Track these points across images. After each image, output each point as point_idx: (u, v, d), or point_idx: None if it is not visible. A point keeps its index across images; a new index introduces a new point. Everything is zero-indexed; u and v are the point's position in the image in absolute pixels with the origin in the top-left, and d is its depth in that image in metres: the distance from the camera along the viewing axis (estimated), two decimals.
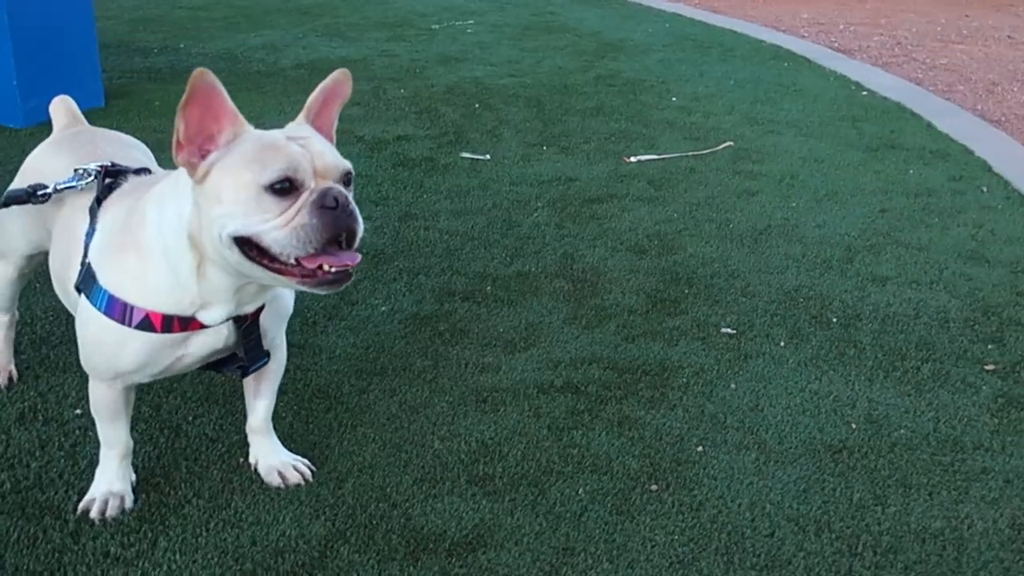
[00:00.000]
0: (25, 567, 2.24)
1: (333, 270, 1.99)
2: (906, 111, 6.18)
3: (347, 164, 2.09)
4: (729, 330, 3.42)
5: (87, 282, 2.23)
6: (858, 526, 2.48)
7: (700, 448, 2.77)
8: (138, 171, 2.43)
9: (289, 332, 2.56)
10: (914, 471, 2.70)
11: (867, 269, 3.93)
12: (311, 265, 1.99)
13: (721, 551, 2.38)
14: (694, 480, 2.64)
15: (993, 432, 2.88)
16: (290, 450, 2.65)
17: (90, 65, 5.92)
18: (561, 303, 3.60)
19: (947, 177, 5.00)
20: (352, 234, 2.03)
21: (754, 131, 5.72)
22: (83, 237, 2.31)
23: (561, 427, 2.86)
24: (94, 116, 2.93)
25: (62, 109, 2.83)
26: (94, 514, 2.40)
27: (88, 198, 2.37)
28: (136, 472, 2.54)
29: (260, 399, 2.58)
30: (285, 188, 1.97)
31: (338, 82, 2.18)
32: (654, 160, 5.18)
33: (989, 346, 3.36)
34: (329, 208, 1.98)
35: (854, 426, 2.89)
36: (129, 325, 2.17)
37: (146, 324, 2.17)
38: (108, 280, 2.19)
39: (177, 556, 2.29)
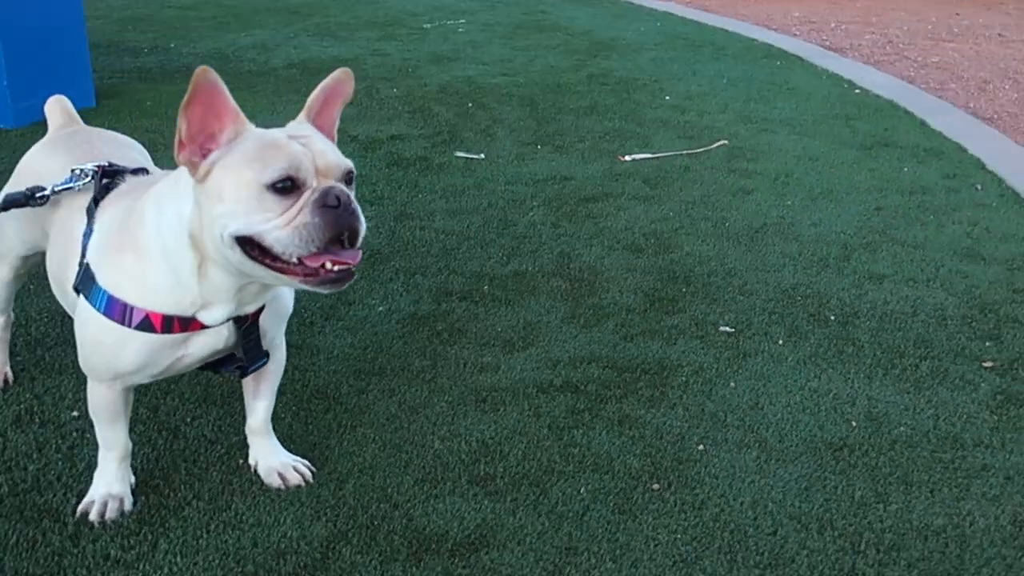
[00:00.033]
0: (24, 570, 2.22)
1: (336, 269, 1.98)
2: (899, 109, 6.20)
3: (349, 163, 2.07)
4: (727, 328, 3.42)
5: (86, 283, 2.21)
6: (860, 524, 2.47)
7: (701, 447, 2.77)
8: (135, 171, 2.42)
9: (286, 332, 2.54)
10: (915, 468, 2.70)
11: (864, 267, 3.93)
12: (313, 264, 1.98)
13: (724, 550, 2.37)
14: (696, 479, 2.63)
15: (993, 429, 2.88)
16: (290, 451, 2.63)
17: (81, 65, 5.89)
18: (559, 302, 3.59)
19: (941, 175, 5.01)
20: (354, 233, 2.02)
21: (748, 129, 5.72)
22: (80, 238, 2.29)
23: (561, 426, 2.85)
24: (85, 116, 2.90)
25: (57, 109, 2.81)
26: (93, 516, 2.38)
27: (85, 198, 2.35)
28: (135, 474, 2.52)
29: (259, 400, 2.56)
30: (287, 187, 1.96)
31: (339, 81, 2.16)
32: (649, 159, 5.18)
33: (987, 343, 3.36)
34: (331, 207, 1.96)
35: (854, 424, 2.89)
36: (129, 326, 2.15)
37: (146, 325, 2.15)
38: (107, 280, 2.17)
39: (178, 558, 2.27)
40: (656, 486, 2.59)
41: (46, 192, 2.40)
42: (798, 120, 5.93)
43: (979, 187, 4.83)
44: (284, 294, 2.39)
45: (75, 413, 2.80)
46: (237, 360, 2.35)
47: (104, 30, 7.98)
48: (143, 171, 2.43)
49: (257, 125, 2.09)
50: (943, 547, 2.40)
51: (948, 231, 4.30)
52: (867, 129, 5.76)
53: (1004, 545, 2.41)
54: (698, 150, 5.33)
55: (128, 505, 2.43)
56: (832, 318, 3.51)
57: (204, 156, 2.00)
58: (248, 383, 2.54)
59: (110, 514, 2.39)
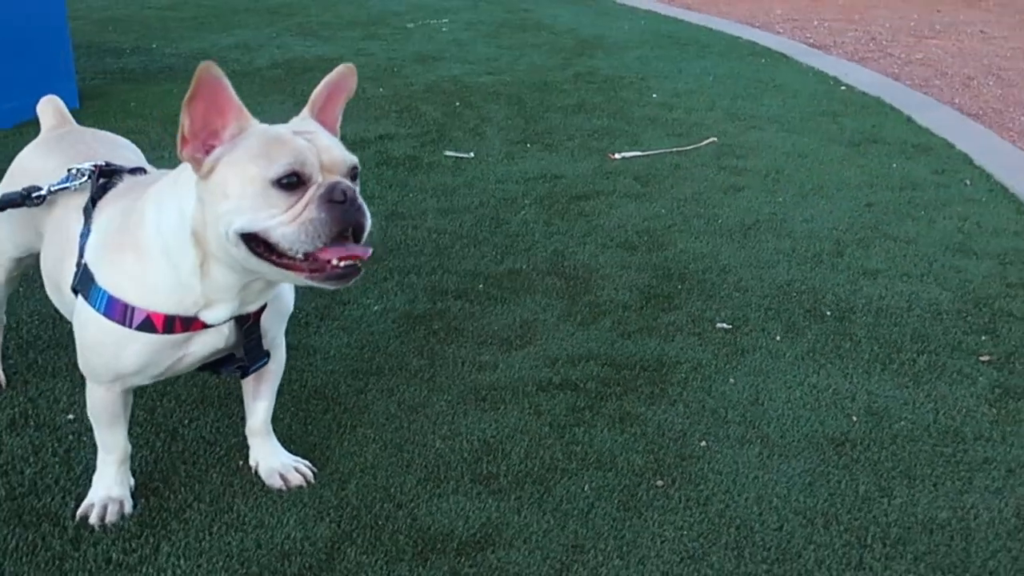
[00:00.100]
0: (25, 575, 2.19)
1: (342, 264, 1.96)
2: (885, 106, 6.21)
3: (353, 158, 2.06)
4: (724, 325, 3.41)
5: (84, 283, 2.18)
6: (866, 518, 2.47)
7: (703, 443, 2.76)
8: (133, 170, 2.38)
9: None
10: (917, 462, 2.70)
11: (857, 262, 3.93)
12: (324, 257, 1.95)
13: (731, 545, 2.36)
14: (699, 475, 2.62)
15: (993, 422, 2.89)
16: (290, 452, 2.61)
17: (64, 66, 5.84)
18: (554, 300, 3.58)
19: (930, 171, 5.02)
20: (360, 228, 2.00)
21: (736, 127, 5.72)
22: (78, 238, 2.26)
23: (562, 424, 2.83)
24: None
25: (50, 109, 2.77)
26: (93, 520, 2.35)
27: (82, 198, 2.32)
28: (133, 477, 2.48)
29: (260, 400, 2.53)
30: (292, 183, 1.93)
31: (343, 76, 2.15)
32: (639, 157, 5.17)
33: (983, 337, 3.36)
34: (337, 202, 1.94)
35: (855, 419, 2.89)
36: (130, 326, 2.12)
37: (147, 325, 2.12)
38: (107, 281, 2.14)
39: (181, 561, 2.24)
40: (660, 483, 2.58)
41: (43, 192, 2.36)
42: (786, 117, 5.93)
43: (968, 182, 4.85)
44: (285, 293, 2.36)
45: (71, 416, 2.77)
46: (237, 360, 2.32)
47: (85, 31, 7.90)
48: (141, 170, 2.40)
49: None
50: (949, 540, 2.40)
51: (939, 226, 4.31)
52: (854, 126, 5.78)
53: (1009, 538, 2.41)
54: (687, 148, 5.32)
55: (128, 508, 2.40)
56: (828, 314, 3.51)
57: (207, 152, 1.98)
58: (248, 383, 2.51)
59: (110, 517, 2.36)
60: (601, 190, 4.68)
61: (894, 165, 5.10)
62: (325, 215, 1.93)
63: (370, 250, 2.00)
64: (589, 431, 2.80)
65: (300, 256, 1.95)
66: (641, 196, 4.62)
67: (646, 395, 2.99)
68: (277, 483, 2.51)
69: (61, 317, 2.52)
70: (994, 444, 2.79)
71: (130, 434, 2.42)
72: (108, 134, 2.75)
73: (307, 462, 2.58)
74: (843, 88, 6.66)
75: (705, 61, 7.40)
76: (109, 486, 2.40)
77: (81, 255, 2.22)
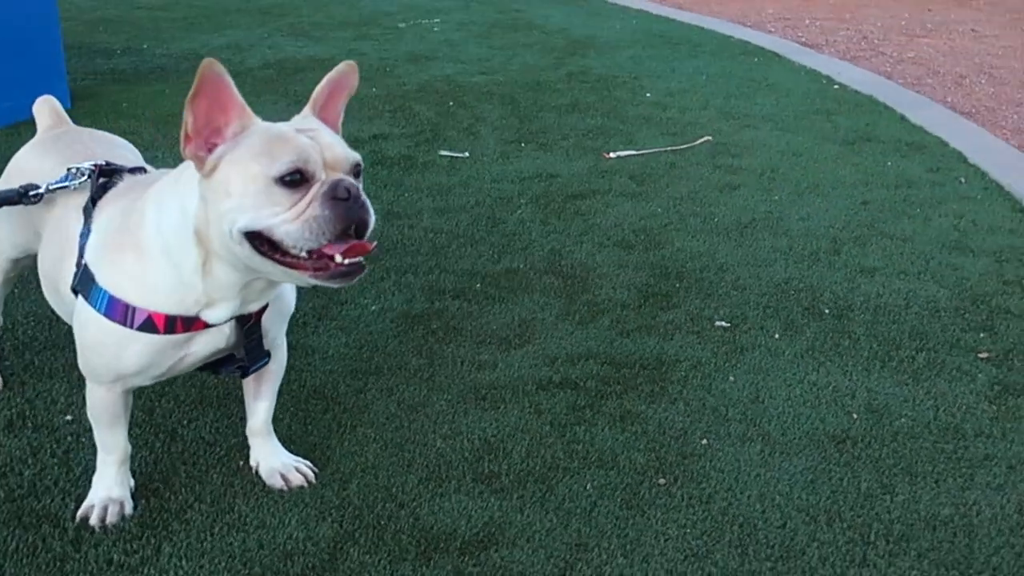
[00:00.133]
0: None
1: (347, 262, 1.95)
2: (879, 104, 6.22)
3: (356, 156, 2.05)
4: (723, 323, 3.41)
5: (85, 283, 2.16)
6: (868, 515, 2.47)
7: (704, 441, 2.75)
8: (133, 170, 2.37)
9: None
10: (918, 459, 2.70)
11: (854, 260, 3.93)
12: (329, 252, 1.94)
13: (735, 543, 2.36)
14: (701, 473, 2.61)
15: (992, 419, 2.89)
16: (290, 452, 2.60)
17: (55, 67, 5.81)
18: (552, 299, 3.57)
19: (925, 169, 5.03)
20: (363, 225, 1.99)
21: (730, 125, 5.72)
22: (77, 238, 2.24)
23: (563, 423, 2.82)
24: None
25: (46, 109, 2.75)
26: (94, 521, 2.33)
27: (82, 198, 2.30)
28: (133, 478, 2.47)
29: (260, 400, 2.52)
30: (296, 180, 1.92)
31: (344, 74, 2.14)
32: (633, 156, 5.16)
33: (981, 334, 3.37)
34: (341, 199, 1.93)
35: (855, 416, 2.89)
36: (131, 327, 2.11)
37: (148, 325, 2.11)
38: (107, 281, 2.13)
39: (183, 562, 2.23)
40: (662, 481, 2.58)
41: (40, 190, 2.35)
42: (779, 116, 5.94)
43: (963, 180, 4.86)
44: (286, 293, 2.35)
45: (69, 417, 2.75)
46: (238, 360, 2.31)
47: (75, 32, 7.86)
48: (141, 170, 2.39)
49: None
50: (952, 537, 2.40)
51: (935, 224, 4.32)
52: (848, 124, 5.78)
53: (1012, 534, 2.41)
54: (682, 146, 5.32)
55: (128, 509, 2.38)
56: (826, 311, 3.51)
57: (210, 150, 1.97)
58: (248, 383, 2.50)
59: (111, 518, 2.34)
60: (597, 189, 4.68)
61: (889, 163, 5.11)
62: (329, 212, 1.92)
63: (374, 242, 1.99)
64: (590, 430, 2.79)
65: (304, 254, 1.94)
66: (637, 195, 4.61)
67: (646, 393, 2.98)
68: (278, 483, 2.50)
69: (57, 318, 2.50)
70: (994, 441, 2.79)
71: (129, 435, 2.41)
72: (105, 134, 2.73)
73: (308, 462, 2.57)
74: (836, 87, 6.66)
75: (698, 60, 7.41)
76: (109, 487, 2.38)
77: (81, 255, 2.20)
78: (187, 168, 2.06)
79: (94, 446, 2.40)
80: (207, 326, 2.15)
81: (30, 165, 2.56)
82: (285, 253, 1.94)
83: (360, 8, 9.51)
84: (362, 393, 2.94)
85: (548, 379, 3.04)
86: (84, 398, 2.33)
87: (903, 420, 2.87)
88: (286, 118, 2.11)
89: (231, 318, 2.16)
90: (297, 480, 2.51)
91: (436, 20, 8.96)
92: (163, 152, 4.76)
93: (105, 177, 2.31)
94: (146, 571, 2.20)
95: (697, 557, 2.31)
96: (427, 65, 7.15)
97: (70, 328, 2.30)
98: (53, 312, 2.47)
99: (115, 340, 2.13)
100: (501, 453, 2.67)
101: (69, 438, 2.66)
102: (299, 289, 2.47)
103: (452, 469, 2.60)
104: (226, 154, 1.95)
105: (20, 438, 2.66)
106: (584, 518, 2.43)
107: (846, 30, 8.79)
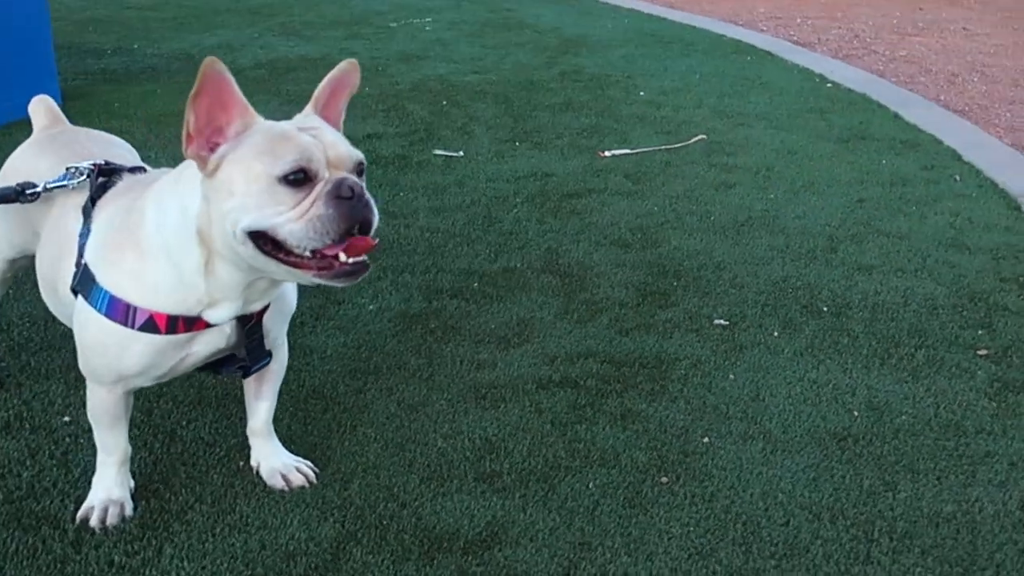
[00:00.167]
0: None
1: (351, 261, 1.94)
2: (872, 102, 6.23)
3: (359, 154, 2.03)
4: (722, 321, 3.41)
5: (85, 283, 2.14)
6: (871, 512, 2.46)
7: (706, 439, 2.75)
8: (132, 169, 2.35)
9: None
10: (920, 456, 2.69)
11: (852, 258, 3.93)
12: (331, 253, 1.93)
13: (738, 541, 2.35)
14: (703, 471, 2.61)
15: (993, 416, 2.89)
16: (291, 452, 2.58)
17: (47, 67, 5.78)
18: (551, 298, 3.56)
19: (919, 166, 5.04)
20: (367, 224, 1.98)
21: (725, 124, 5.72)
22: (77, 237, 2.22)
23: (564, 422, 2.82)
24: None
25: (42, 109, 2.73)
26: (94, 522, 2.31)
27: (81, 197, 2.28)
28: (133, 479, 2.45)
29: (261, 400, 2.51)
30: (299, 179, 1.91)
31: (346, 72, 2.12)
32: (628, 154, 5.16)
33: (979, 331, 3.37)
34: (345, 198, 1.92)
35: (856, 413, 2.88)
36: (132, 327, 2.09)
37: (150, 325, 2.09)
38: (108, 281, 2.11)
39: (185, 563, 2.21)
40: (664, 479, 2.57)
41: (37, 188, 2.33)
42: (773, 114, 5.94)
43: (958, 178, 4.86)
44: (288, 292, 2.33)
45: (67, 418, 2.73)
46: (239, 360, 2.29)
47: (65, 31, 7.83)
48: (140, 169, 2.37)
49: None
50: (955, 533, 2.40)
51: (931, 222, 4.32)
52: (842, 122, 5.79)
53: (1015, 530, 2.41)
54: (677, 145, 5.32)
55: (129, 510, 2.36)
56: (825, 309, 3.51)
57: (212, 150, 1.95)
58: (249, 384, 2.49)
59: (111, 520, 2.32)
60: (592, 188, 4.67)
61: (883, 161, 5.11)
62: (333, 211, 1.91)
63: (376, 239, 1.98)
64: (591, 428, 2.79)
65: (308, 253, 1.93)
66: (633, 193, 4.61)
67: (647, 392, 2.97)
68: (279, 483, 2.48)
69: (53, 319, 2.48)
70: (995, 438, 2.79)
71: (128, 436, 2.39)
72: (102, 133, 2.71)
73: (309, 462, 2.56)
74: (829, 85, 6.67)
75: (690, 59, 7.41)
76: (109, 488, 2.36)
77: (80, 255, 2.18)
78: (187, 167, 2.04)
79: (93, 447, 2.38)
80: (208, 326, 2.13)
81: (26, 165, 2.54)
82: (289, 252, 1.93)
83: (351, 7, 9.49)
84: (361, 393, 2.92)
85: (548, 378, 3.04)
86: (82, 399, 2.32)
87: (904, 417, 2.87)
88: (278, 117, 2.09)
89: (233, 317, 2.15)
90: (298, 480, 2.49)
91: (427, 19, 8.95)
92: (156, 152, 4.74)
93: (104, 177, 2.29)
94: (148, 572, 2.19)
95: (701, 555, 2.30)
96: (419, 64, 7.13)
97: (66, 329, 2.28)
98: (49, 313, 2.45)
99: (116, 340, 2.11)
100: (502, 452, 2.66)
101: (67, 439, 2.64)
102: (298, 288, 2.46)
103: (454, 468, 2.59)
104: (229, 153, 1.93)
105: (18, 440, 2.64)
106: (587, 517, 2.42)
107: (838, 29, 8.81)
